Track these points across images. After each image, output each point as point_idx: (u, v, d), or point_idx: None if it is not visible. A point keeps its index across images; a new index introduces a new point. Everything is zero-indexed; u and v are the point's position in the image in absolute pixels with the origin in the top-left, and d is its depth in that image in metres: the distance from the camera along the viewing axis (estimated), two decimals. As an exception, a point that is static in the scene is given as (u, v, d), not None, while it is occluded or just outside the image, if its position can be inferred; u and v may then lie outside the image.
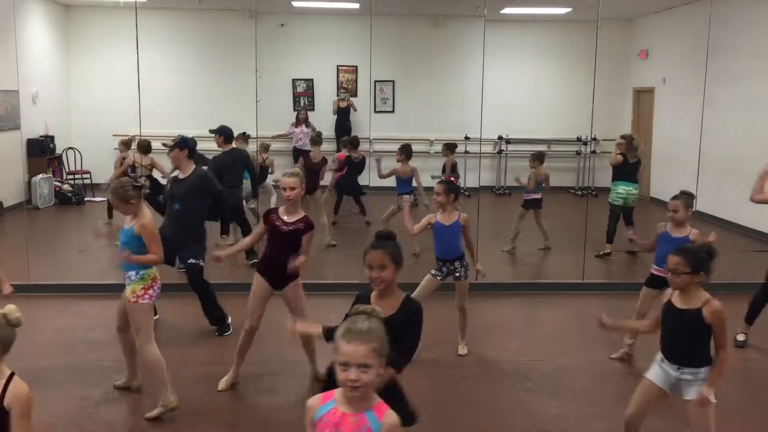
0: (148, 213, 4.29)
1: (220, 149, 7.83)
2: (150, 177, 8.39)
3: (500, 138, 13.61)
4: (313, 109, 13.45)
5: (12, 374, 2.56)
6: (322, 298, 5.51)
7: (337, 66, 13.64)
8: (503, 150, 13.72)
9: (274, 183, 9.30)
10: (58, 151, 12.25)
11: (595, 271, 7.67)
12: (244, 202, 8.09)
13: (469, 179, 11.80)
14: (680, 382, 3.38)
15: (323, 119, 13.05)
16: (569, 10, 12.30)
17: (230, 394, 4.62)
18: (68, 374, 4.88)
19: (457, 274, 5.13)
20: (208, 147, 9.13)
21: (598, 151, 13.48)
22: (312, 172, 8.72)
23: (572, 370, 5.13)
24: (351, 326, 2.17)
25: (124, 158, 9.18)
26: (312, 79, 13.65)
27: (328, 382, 2.76)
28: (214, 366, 4.94)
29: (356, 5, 11.84)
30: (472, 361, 5.27)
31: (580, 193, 13.29)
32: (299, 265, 4.35)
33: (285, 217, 4.40)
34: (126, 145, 9.43)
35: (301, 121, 12.65)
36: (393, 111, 13.84)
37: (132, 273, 4.17)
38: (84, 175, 12.36)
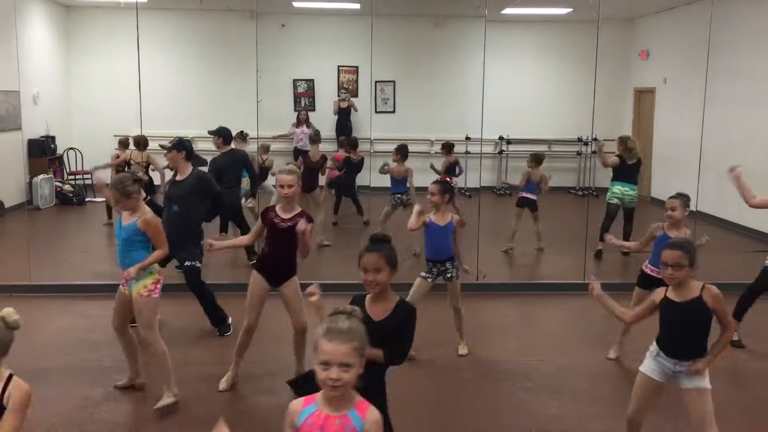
0: (147, 208, 4.32)
1: (219, 150, 7.83)
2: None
3: (501, 138, 13.62)
4: (313, 110, 13.45)
5: (11, 375, 2.56)
6: (322, 298, 5.51)
7: (338, 66, 13.65)
8: (504, 150, 13.72)
9: (274, 185, 9.31)
10: (59, 151, 12.28)
11: (597, 271, 7.67)
12: (243, 200, 8.09)
13: (469, 179, 11.80)
14: (678, 373, 3.42)
15: (324, 120, 13.04)
16: (570, 10, 12.30)
17: (230, 394, 4.63)
18: (69, 374, 4.89)
19: (449, 275, 5.12)
20: (209, 147, 9.14)
21: (598, 152, 13.45)
22: (311, 170, 8.74)
23: (572, 370, 5.13)
24: (332, 325, 2.18)
25: (118, 156, 9.21)
26: (313, 80, 13.65)
27: (297, 384, 2.76)
28: (215, 366, 4.95)
29: (357, 5, 11.84)
30: (472, 361, 5.28)
31: (580, 193, 13.29)
32: (306, 229, 4.29)
33: (282, 214, 4.41)
34: (124, 144, 9.44)
35: (302, 121, 12.65)
36: (394, 111, 13.84)
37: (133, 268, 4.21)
38: (85, 176, 12.36)
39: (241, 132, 8.94)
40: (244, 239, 5.06)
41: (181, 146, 5.57)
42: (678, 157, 11.14)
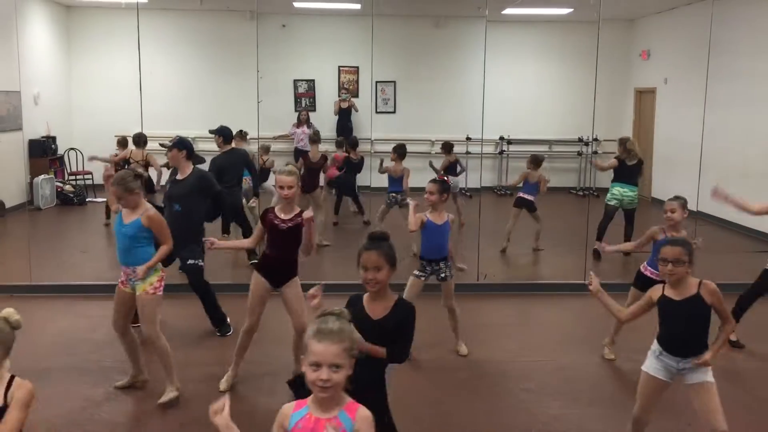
0: (149, 204, 4.35)
1: (220, 150, 7.83)
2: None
3: (502, 138, 13.62)
4: (314, 110, 13.45)
5: (12, 377, 2.57)
6: (322, 299, 5.51)
7: (339, 67, 13.65)
8: (504, 150, 13.73)
9: (274, 185, 9.31)
10: (60, 151, 12.29)
11: (597, 271, 7.64)
12: (244, 200, 8.10)
13: (470, 180, 11.81)
14: (681, 371, 3.44)
15: (324, 120, 13.05)
16: (570, 10, 12.30)
17: (231, 394, 4.61)
18: (70, 375, 4.90)
19: (443, 275, 5.13)
20: (209, 148, 9.15)
21: (599, 152, 13.47)
22: (311, 171, 8.74)
23: (573, 371, 5.13)
24: (322, 326, 2.17)
25: (116, 155, 9.23)
26: (313, 80, 13.66)
27: (296, 384, 2.77)
28: (216, 366, 4.95)
29: (358, 6, 11.85)
30: (471, 361, 5.28)
31: (581, 193, 13.29)
32: (311, 219, 4.31)
33: (282, 215, 4.41)
34: (122, 144, 9.45)
35: (303, 121, 12.65)
36: (394, 112, 13.84)
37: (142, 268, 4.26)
38: (86, 176, 12.37)
39: (241, 131, 8.94)
40: (246, 242, 5.05)
41: (182, 145, 5.56)
42: (678, 157, 11.14)
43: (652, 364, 3.52)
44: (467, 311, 5.83)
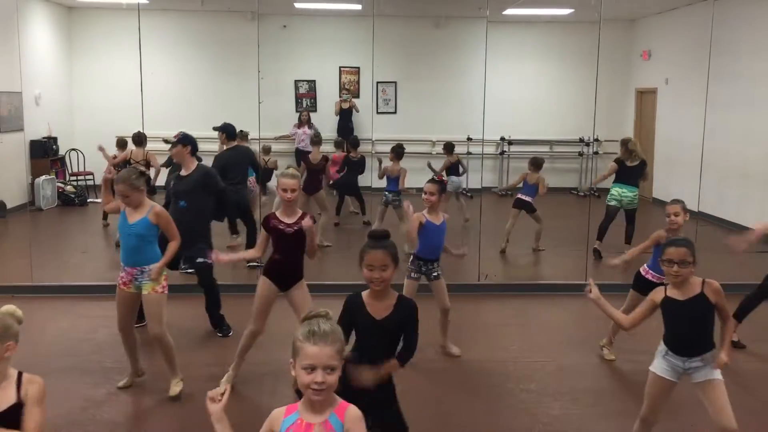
0: (153, 201, 4.38)
1: (223, 147, 7.83)
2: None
3: (502, 139, 13.62)
4: (315, 111, 13.46)
5: (20, 373, 2.59)
6: (323, 299, 5.46)
7: (340, 67, 13.66)
8: (505, 151, 13.72)
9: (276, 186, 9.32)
10: (61, 152, 12.29)
11: (598, 272, 7.67)
12: (259, 198, 8.06)
13: (471, 180, 11.80)
14: (688, 370, 3.43)
15: (325, 120, 13.06)
16: (571, 11, 12.30)
17: (232, 395, 4.60)
18: (71, 375, 4.90)
19: (435, 274, 5.13)
20: (210, 148, 9.16)
21: (600, 152, 13.47)
22: (313, 172, 8.74)
23: (574, 371, 5.13)
24: (314, 328, 2.13)
25: (115, 156, 9.24)
26: (314, 81, 13.66)
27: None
28: (217, 367, 4.95)
29: (358, 6, 11.85)
30: (472, 361, 5.28)
31: (582, 194, 13.29)
32: (311, 225, 4.33)
33: (286, 220, 4.38)
34: (122, 145, 9.45)
35: (304, 122, 12.65)
36: (395, 112, 13.84)
37: (148, 267, 4.30)
38: (87, 177, 12.39)
39: (241, 131, 8.94)
40: (251, 253, 4.94)
41: (187, 141, 5.52)
42: (679, 158, 11.14)
43: (659, 364, 3.50)
44: (467, 311, 5.84)
